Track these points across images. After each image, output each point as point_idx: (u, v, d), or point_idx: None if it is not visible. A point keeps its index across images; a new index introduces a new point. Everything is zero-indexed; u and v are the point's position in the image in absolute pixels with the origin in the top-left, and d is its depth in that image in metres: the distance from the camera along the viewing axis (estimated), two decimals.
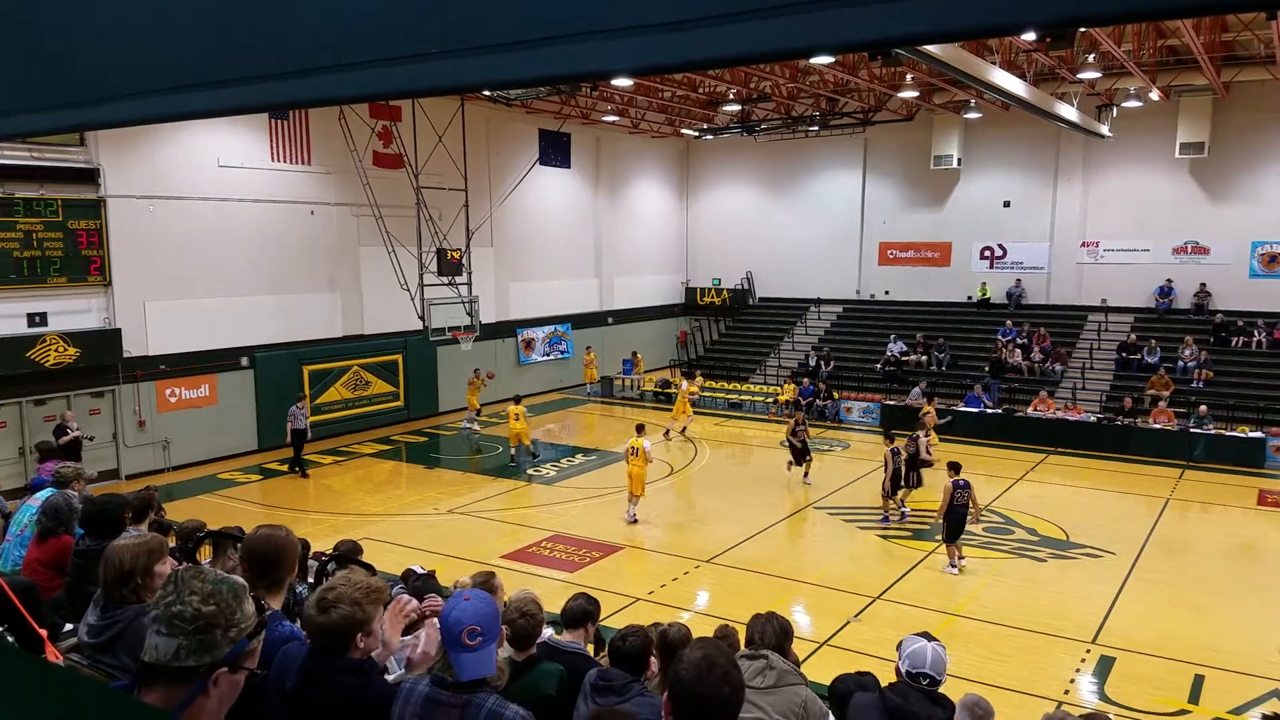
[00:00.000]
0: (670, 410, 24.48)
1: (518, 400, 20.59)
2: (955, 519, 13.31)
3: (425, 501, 17.31)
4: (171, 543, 5.42)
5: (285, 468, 19.28)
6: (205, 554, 5.93)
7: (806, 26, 1.07)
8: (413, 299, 21.92)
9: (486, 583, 5.18)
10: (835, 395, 25.41)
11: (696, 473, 19.94)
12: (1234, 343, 24.21)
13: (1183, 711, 9.51)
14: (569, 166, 29.52)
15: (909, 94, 25.05)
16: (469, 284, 23.15)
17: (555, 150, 28.87)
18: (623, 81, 22.53)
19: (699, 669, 2.33)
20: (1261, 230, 25.02)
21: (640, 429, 16.19)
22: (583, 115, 27.96)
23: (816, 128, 28.38)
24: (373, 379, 23.69)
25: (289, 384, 21.43)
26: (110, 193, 18.09)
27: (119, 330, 18.34)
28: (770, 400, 26.40)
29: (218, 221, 20.02)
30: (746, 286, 33.73)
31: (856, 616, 11.88)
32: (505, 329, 27.47)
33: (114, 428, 18.62)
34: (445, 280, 22.53)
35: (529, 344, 28.65)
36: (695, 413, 24.02)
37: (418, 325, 22.32)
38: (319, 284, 22.54)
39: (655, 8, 1.12)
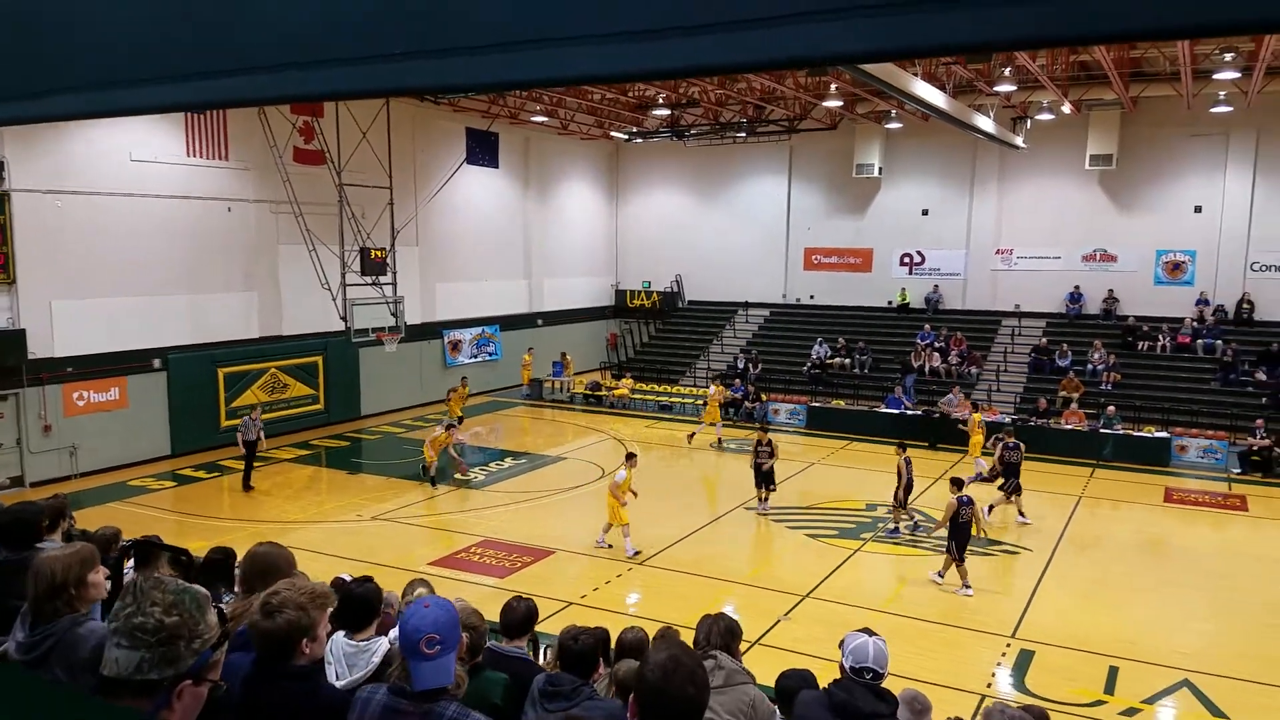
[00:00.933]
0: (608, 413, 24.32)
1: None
2: (962, 536, 12.86)
3: (348, 508, 16.90)
4: None
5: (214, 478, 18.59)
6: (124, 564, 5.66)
7: (775, 40, 1.08)
8: (334, 299, 21.42)
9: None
10: (763, 397, 25.76)
11: None
12: (1140, 347, 25.37)
13: (1099, 702, 9.88)
14: (497, 166, 29.23)
15: (833, 103, 25.56)
16: (394, 284, 22.73)
17: (483, 150, 28.56)
18: None
19: (665, 669, 2.36)
20: (1165, 239, 26.31)
21: (630, 458, 15.03)
22: (511, 115, 27.74)
23: (744, 134, 28.73)
24: (291, 381, 23.05)
25: (204, 386, 20.76)
26: (15, 186, 17.18)
27: (23, 331, 17.42)
28: (700, 402, 26.59)
29: (129, 218, 19.21)
30: (676, 289, 33.94)
31: (786, 615, 12.05)
32: (431, 330, 27.05)
33: (18, 433, 17.68)
34: (369, 280, 22.09)
35: (456, 346, 28.27)
36: (628, 414, 24.03)
37: (339, 326, 21.84)
38: (235, 283, 21.83)
39: (626, 16, 1.12)
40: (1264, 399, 22.25)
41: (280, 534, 14.62)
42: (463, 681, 2.97)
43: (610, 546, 14.44)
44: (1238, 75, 20.43)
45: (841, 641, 4.06)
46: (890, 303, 30.01)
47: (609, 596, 12.76)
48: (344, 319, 21.51)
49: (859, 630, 4.09)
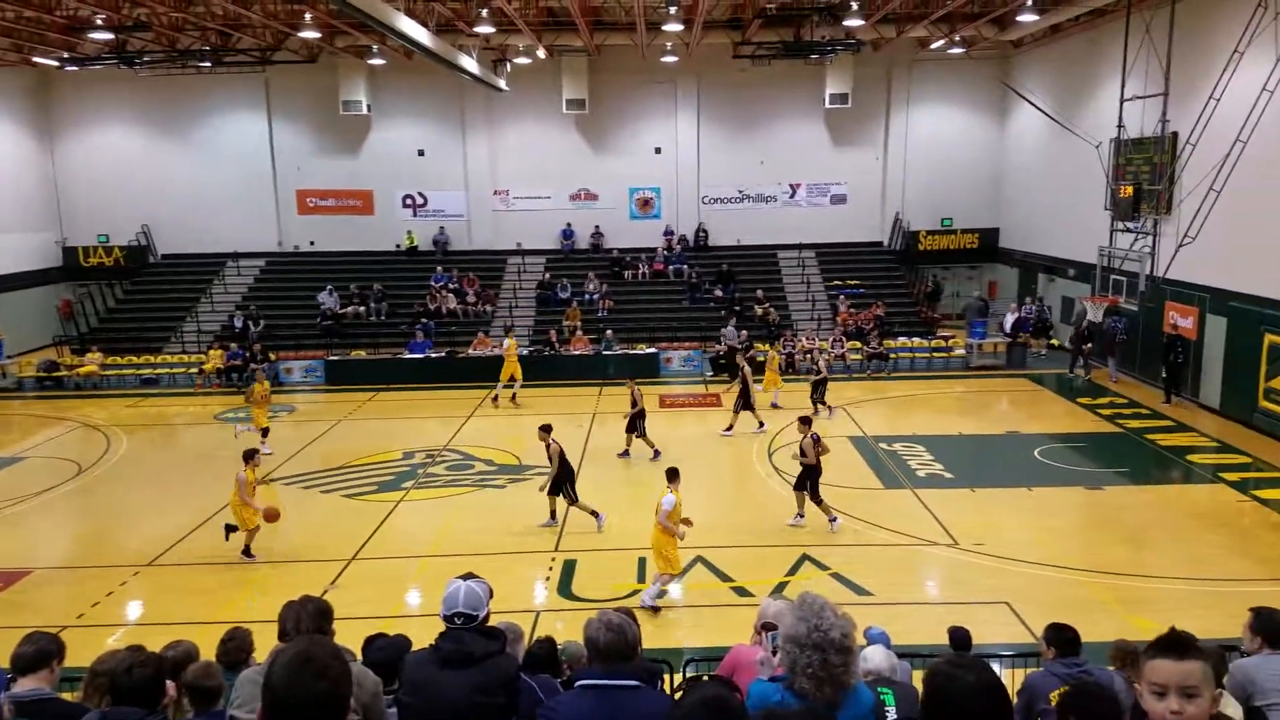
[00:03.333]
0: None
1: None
2: (815, 473, 12.64)
3: None
4: None
5: None
6: None
7: None
8: None
9: None
10: (272, 356, 23.56)
11: (112, 467, 16.82)
12: (626, 275, 28.35)
13: (635, 591, 10.85)
14: None
15: (310, 34, 23.70)
16: None
17: None
18: None
19: (289, 670, 2.11)
20: (635, 178, 29.62)
21: (672, 476, 11.02)
22: None
23: (209, 64, 25.47)
24: None
25: None
26: None
27: None
28: (195, 370, 23.51)
29: None
30: (144, 243, 29.30)
31: (333, 583, 11.21)
32: None
33: None
34: None
35: None
36: (100, 394, 20.23)
37: None
38: None
39: None
40: (723, 311, 26.37)
41: None
42: None
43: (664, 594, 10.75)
44: (681, 28, 23.23)
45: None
46: (398, 246, 29.46)
47: (111, 612, 10.66)
48: None
49: (457, 577, 3.79)
